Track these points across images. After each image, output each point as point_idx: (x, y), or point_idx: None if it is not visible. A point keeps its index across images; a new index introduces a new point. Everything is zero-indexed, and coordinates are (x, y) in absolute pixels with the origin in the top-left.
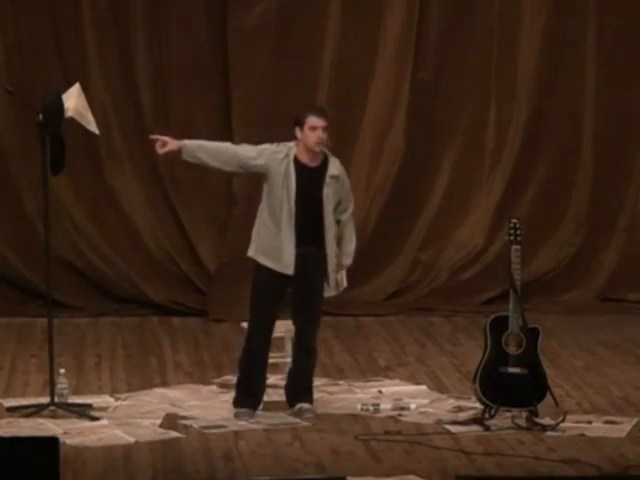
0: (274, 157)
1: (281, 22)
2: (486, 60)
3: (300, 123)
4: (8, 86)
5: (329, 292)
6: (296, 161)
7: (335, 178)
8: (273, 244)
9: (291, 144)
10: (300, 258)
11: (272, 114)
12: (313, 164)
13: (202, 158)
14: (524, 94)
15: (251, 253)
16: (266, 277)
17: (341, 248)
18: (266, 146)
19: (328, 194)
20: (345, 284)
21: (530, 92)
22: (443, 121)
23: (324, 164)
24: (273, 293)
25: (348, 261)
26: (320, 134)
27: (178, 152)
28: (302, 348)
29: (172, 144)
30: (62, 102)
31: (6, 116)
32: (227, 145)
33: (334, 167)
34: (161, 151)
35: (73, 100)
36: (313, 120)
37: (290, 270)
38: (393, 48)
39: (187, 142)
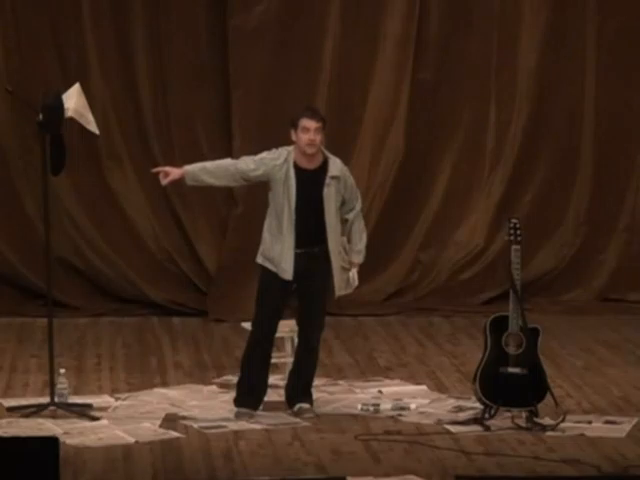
0: (273, 164)
1: (281, 22)
2: (486, 60)
3: (294, 125)
4: (8, 86)
5: (341, 291)
6: (295, 165)
7: (336, 179)
8: (275, 248)
9: (290, 148)
10: (303, 259)
11: (272, 114)
12: (312, 166)
13: (206, 180)
14: (524, 94)
15: (258, 257)
16: (270, 278)
17: (351, 246)
18: (264, 155)
19: (329, 194)
20: (357, 282)
21: (530, 92)
22: (443, 121)
23: (324, 166)
24: (277, 294)
25: (359, 259)
26: (311, 136)
27: (181, 179)
28: (304, 348)
29: (174, 173)
30: (62, 102)
31: (6, 116)
32: (227, 162)
33: (334, 168)
34: (164, 182)
35: (73, 100)
36: (304, 122)
37: (289, 275)
38: (393, 48)
39: (189, 167)
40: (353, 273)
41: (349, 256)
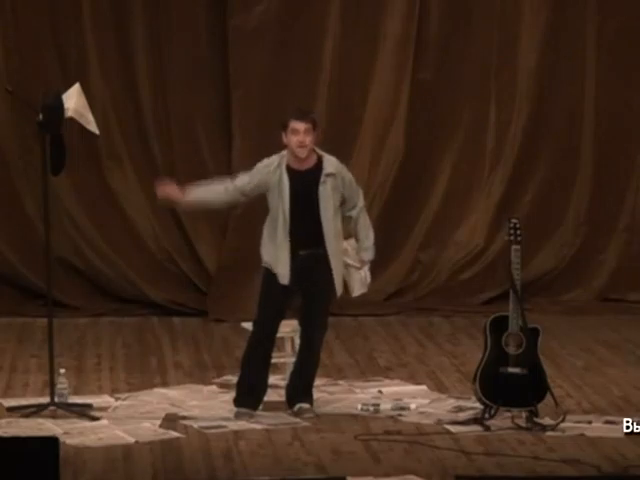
0: (267, 171)
1: (281, 22)
2: (486, 60)
3: (284, 128)
4: (8, 86)
5: (358, 290)
6: (288, 167)
7: (332, 176)
8: (271, 252)
9: (283, 152)
10: (304, 261)
11: (272, 114)
12: (305, 167)
13: (204, 197)
14: (524, 94)
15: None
16: (271, 279)
17: (359, 244)
18: (257, 165)
19: (325, 192)
20: (369, 280)
21: (530, 92)
22: (443, 121)
23: (318, 164)
24: (278, 295)
25: (368, 256)
26: (301, 137)
27: (178, 200)
28: (305, 348)
29: (174, 193)
30: (62, 102)
31: (6, 116)
32: (225, 182)
33: (329, 165)
34: (161, 194)
35: (73, 100)
36: (294, 124)
37: (285, 280)
38: (393, 48)
39: (189, 193)
40: (365, 271)
41: (358, 254)
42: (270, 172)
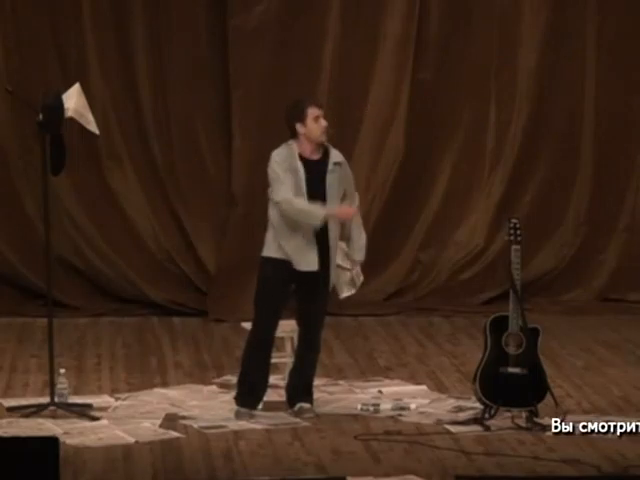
0: (286, 166)
1: (281, 22)
2: (486, 60)
3: (301, 118)
4: (8, 86)
5: (347, 291)
6: (300, 157)
7: (338, 165)
8: (293, 242)
9: (290, 142)
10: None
11: (272, 114)
12: (316, 157)
13: None
14: (524, 94)
15: (267, 251)
16: (274, 275)
17: (352, 244)
18: (275, 168)
19: (333, 181)
20: (362, 278)
21: (530, 92)
22: (443, 121)
23: (326, 155)
24: (279, 291)
25: (361, 256)
26: (324, 122)
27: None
28: (304, 347)
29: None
30: (62, 102)
31: (6, 116)
32: (289, 202)
33: (336, 155)
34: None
35: (73, 100)
36: (314, 110)
37: (314, 265)
38: (393, 48)
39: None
40: (357, 271)
41: (351, 254)
42: (287, 165)
